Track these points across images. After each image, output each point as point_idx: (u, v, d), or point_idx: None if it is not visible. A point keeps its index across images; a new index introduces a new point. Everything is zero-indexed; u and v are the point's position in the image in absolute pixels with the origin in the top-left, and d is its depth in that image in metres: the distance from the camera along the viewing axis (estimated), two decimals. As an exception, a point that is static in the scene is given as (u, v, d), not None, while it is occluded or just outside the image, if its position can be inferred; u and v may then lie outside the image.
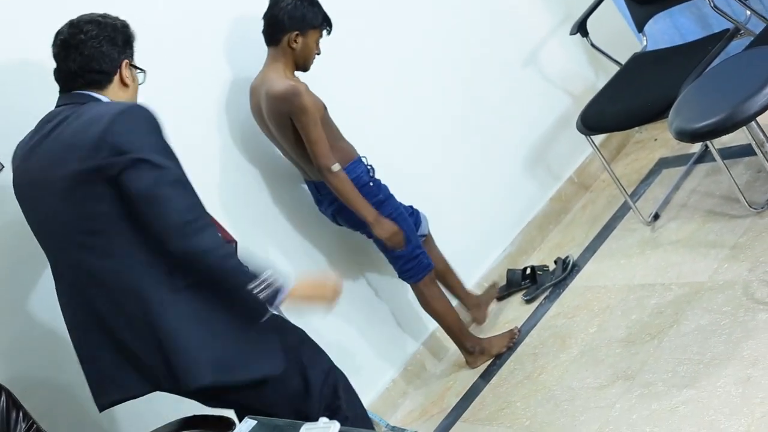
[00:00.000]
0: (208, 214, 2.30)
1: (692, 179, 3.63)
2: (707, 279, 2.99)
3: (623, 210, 3.78)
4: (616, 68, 3.76)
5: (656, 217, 3.53)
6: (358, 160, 3.18)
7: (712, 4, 3.51)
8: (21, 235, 2.52)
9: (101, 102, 2.34)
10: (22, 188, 2.39)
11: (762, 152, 2.90)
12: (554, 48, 4.18)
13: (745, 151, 3.38)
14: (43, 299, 2.78)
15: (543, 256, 3.86)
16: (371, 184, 3.18)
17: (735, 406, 2.41)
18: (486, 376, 3.39)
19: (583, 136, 3.48)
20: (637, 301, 3.13)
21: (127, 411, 2.77)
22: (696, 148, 3.78)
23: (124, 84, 2.41)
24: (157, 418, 2.68)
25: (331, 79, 3.43)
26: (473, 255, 3.85)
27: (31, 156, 2.35)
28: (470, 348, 3.44)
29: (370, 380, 3.51)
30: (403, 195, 3.36)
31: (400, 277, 3.34)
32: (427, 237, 3.49)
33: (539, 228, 4.03)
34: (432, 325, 3.61)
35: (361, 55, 3.61)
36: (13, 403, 2.43)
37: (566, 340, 3.25)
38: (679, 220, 3.43)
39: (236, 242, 2.55)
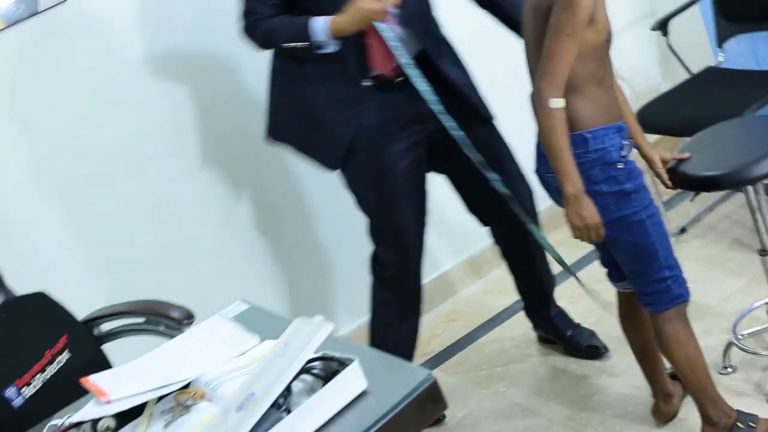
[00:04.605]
0: None
1: (728, 205, 3.62)
2: (716, 303, 2.99)
3: (652, 215, 3.76)
4: (683, 74, 3.72)
5: (683, 230, 3.53)
6: (614, 128, 2.19)
7: (798, 39, 3.46)
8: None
9: None
10: None
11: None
12: (628, 40, 4.12)
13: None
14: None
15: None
16: (620, 165, 2.18)
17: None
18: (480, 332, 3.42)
19: (634, 132, 3.44)
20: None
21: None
22: (740, 175, 3.75)
23: None
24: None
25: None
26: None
27: None
28: (716, 418, 2.37)
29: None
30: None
31: (639, 301, 2.38)
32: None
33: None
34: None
35: None
36: None
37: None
38: (704, 240, 3.42)
39: None
